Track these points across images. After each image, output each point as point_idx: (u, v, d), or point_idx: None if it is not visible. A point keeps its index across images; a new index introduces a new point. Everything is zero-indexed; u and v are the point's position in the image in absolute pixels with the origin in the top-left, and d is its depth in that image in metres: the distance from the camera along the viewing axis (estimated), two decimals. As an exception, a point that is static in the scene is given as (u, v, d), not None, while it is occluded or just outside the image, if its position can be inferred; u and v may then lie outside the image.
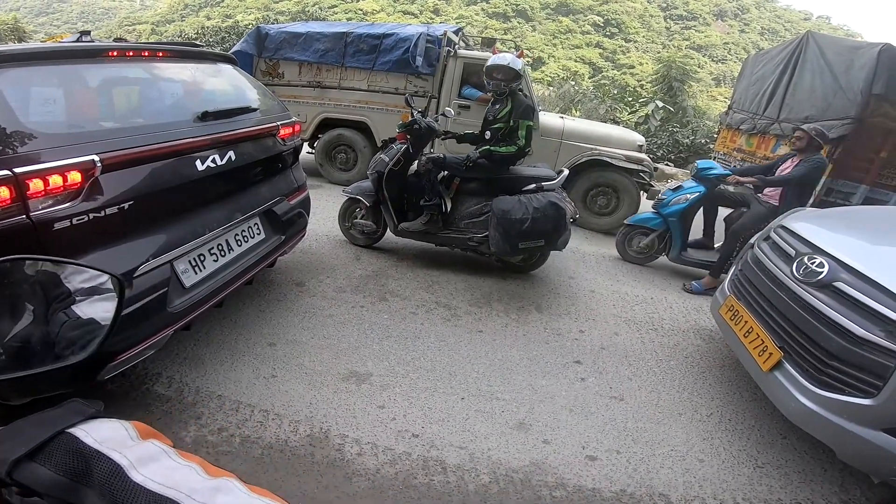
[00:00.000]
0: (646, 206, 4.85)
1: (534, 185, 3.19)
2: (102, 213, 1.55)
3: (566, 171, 3.33)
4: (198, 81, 2.33)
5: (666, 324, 3.11)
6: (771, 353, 2.01)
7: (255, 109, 2.40)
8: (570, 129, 4.92)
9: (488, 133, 3.31)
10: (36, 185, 1.38)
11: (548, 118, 5.22)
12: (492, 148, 3.21)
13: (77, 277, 0.58)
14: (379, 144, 3.63)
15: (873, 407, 1.62)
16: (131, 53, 1.99)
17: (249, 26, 12.66)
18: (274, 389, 2.14)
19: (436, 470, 1.82)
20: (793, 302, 1.99)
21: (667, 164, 8.70)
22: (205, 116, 2.03)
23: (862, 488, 1.93)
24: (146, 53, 2.07)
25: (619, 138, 4.94)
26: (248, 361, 2.31)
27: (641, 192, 4.74)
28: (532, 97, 4.88)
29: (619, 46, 52.96)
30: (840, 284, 1.85)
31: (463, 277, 3.39)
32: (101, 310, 0.58)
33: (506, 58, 3.20)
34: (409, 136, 3.27)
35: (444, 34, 5.24)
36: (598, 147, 4.74)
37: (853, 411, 1.67)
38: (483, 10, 54.41)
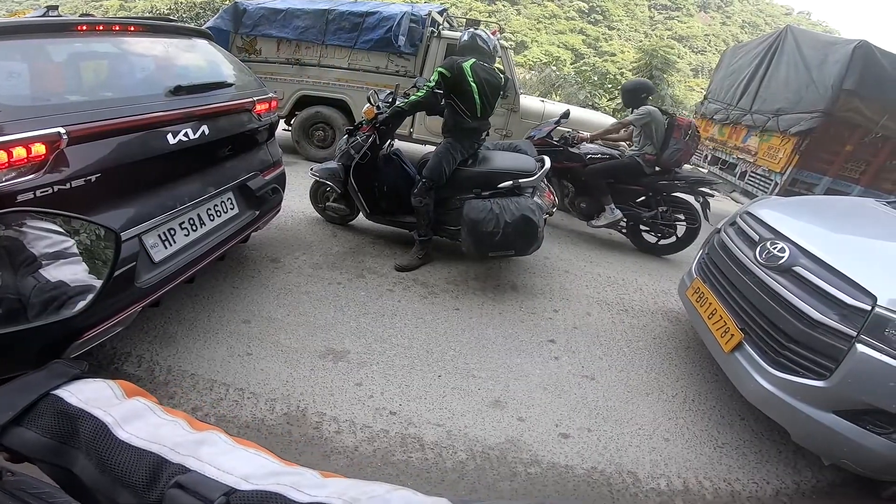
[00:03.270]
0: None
1: (510, 183, 2.99)
2: (68, 186, 1.53)
3: (548, 164, 3.12)
4: (171, 56, 2.29)
5: (636, 305, 3.19)
6: (732, 335, 2.08)
7: (230, 85, 2.38)
8: (549, 113, 4.96)
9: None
10: None
11: (528, 101, 5.24)
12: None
13: (41, 242, 0.56)
14: (346, 128, 3.50)
15: (826, 389, 1.69)
16: (101, 28, 1.96)
17: (225, 2, 12.15)
18: (249, 367, 2.12)
19: (414, 447, 1.85)
20: (755, 285, 2.07)
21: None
22: (177, 91, 2.01)
23: (813, 470, 2.03)
24: (116, 28, 2.03)
25: (597, 123, 5.00)
26: (222, 339, 2.28)
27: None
28: (514, 78, 4.87)
29: (603, 34, 53.05)
30: (799, 269, 1.92)
31: (440, 255, 3.40)
32: (69, 273, 0.57)
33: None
34: (374, 131, 3.11)
35: (429, 14, 5.16)
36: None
37: (807, 393, 1.74)
38: (469, -10, 53.68)
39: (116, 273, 1.57)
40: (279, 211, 2.91)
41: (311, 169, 3.46)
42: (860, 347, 1.63)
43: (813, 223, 2.35)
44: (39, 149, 1.45)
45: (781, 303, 1.90)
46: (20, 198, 1.41)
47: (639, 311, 3.13)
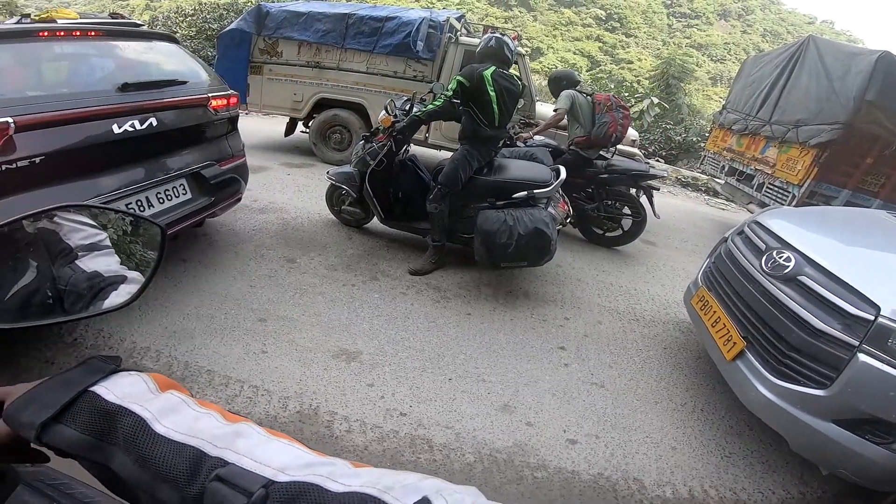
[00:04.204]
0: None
1: (525, 193, 2.99)
2: (14, 165, 1.79)
3: (563, 174, 3.11)
4: (127, 57, 2.51)
5: (647, 314, 3.18)
6: (735, 343, 2.08)
7: (182, 82, 2.58)
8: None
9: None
10: None
11: (544, 108, 5.24)
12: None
13: (76, 235, 0.58)
14: (362, 134, 3.55)
15: (826, 398, 1.69)
16: (62, 33, 2.23)
17: (248, 3, 12.36)
18: (264, 365, 2.17)
19: (422, 448, 1.87)
20: (759, 294, 2.06)
21: (658, 160, 8.76)
22: (125, 87, 2.24)
23: (819, 481, 2.02)
24: (77, 33, 2.30)
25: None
26: (239, 337, 2.34)
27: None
28: (531, 86, 4.88)
29: (620, 41, 52.69)
30: (804, 278, 1.91)
31: (453, 260, 3.43)
32: (103, 264, 0.59)
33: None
34: (391, 139, 3.15)
35: (447, 20, 5.21)
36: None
37: (807, 402, 1.74)
38: (485, -3, 53.84)
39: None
40: (239, 199, 3.04)
41: (328, 172, 3.52)
42: (862, 357, 1.63)
43: (821, 233, 2.34)
44: None
45: (784, 311, 1.90)
46: None
47: (650, 320, 3.12)
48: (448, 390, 2.20)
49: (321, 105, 5.57)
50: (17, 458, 0.45)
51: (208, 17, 11.41)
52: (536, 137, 4.25)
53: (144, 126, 2.24)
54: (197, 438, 0.38)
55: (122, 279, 0.58)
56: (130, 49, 2.54)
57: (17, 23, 2.20)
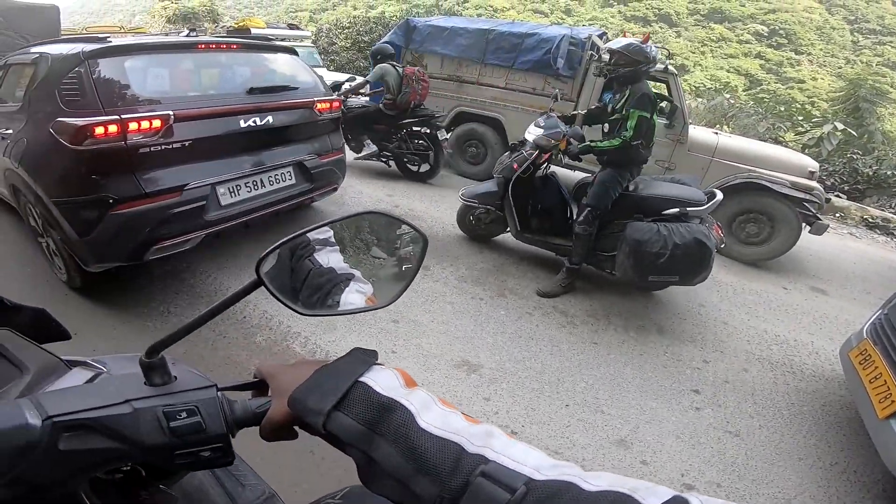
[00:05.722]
0: (805, 239, 4.22)
1: (677, 210, 2.83)
2: (171, 146, 2.32)
3: (720, 196, 2.88)
4: (257, 66, 3.07)
5: (807, 369, 2.73)
6: (893, 401, 1.87)
7: (295, 88, 3.04)
8: (724, 146, 4.43)
9: (606, 126, 3.05)
10: (132, 125, 2.18)
11: (699, 132, 4.77)
12: (592, 143, 2.94)
13: (312, 231, 0.59)
14: (510, 143, 3.59)
15: None
16: (213, 46, 2.86)
17: (394, 18, 13.47)
18: (392, 365, 2.28)
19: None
20: None
21: (838, 196, 7.38)
22: (251, 91, 2.76)
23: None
24: (223, 46, 2.91)
25: (785, 161, 4.31)
26: (373, 334, 2.52)
27: (804, 224, 4.10)
28: (683, 107, 4.50)
29: (788, 58, 46.43)
30: None
31: (582, 285, 3.29)
32: (336, 260, 0.62)
33: (619, 41, 2.88)
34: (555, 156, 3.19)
35: (589, 37, 5.06)
36: (757, 168, 4.21)
37: None
38: (620, 12, 51.36)
39: (193, 206, 2.41)
40: (336, 189, 3.49)
41: (461, 193, 3.55)
42: None
43: None
44: (157, 123, 2.25)
45: None
46: (141, 150, 2.24)
47: (809, 375, 2.67)
48: (563, 416, 2.13)
49: (460, 118, 5.76)
50: (283, 438, 0.50)
51: (361, 29, 12.66)
52: (352, 99, 5.15)
53: (263, 122, 2.72)
54: (457, 435, 0.39)
55: (352, 276, 0.62)
56: (260, 59, 3.10)
57: (187, 36, 2.87)
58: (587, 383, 2.36)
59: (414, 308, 2.78)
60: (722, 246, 2.95)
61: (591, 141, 2.98)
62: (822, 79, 38.75)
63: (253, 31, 7.73)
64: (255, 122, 2.67)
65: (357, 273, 0.63)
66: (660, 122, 4.30)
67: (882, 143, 9.28)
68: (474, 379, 2.28)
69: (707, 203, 2.83)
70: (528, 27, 5.45)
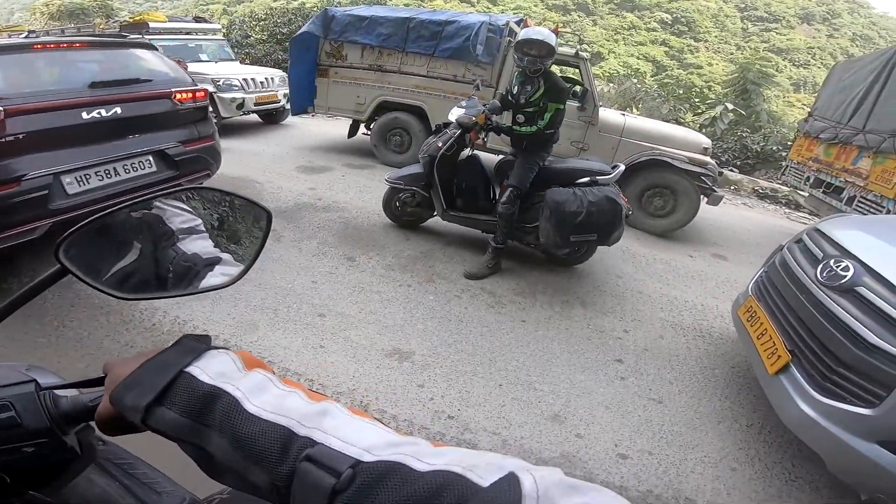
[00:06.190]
0: (705, 210, 4.63)
1: (588, 179, 3.10)
2: (5, 139, 2.32)
3: (622, 167, 3.23)
4: (104, 62, 3.09)
5: (716, 333, 2.99)
6: (779, 356, 1.95)
7: (147, 80, 3.10)
8: (630, 127, 4.75)
9: (521, 117, 3.18)
10: None
11: (608, 114, 5.06)
12: (513, 126, 3.15)
13: (177, 219, 0.62)
14: (434, 125, 3.62)
15: (872, 417, 1.58)
16: (52, 46, 2.85)
17: (314, 8, 12.94)
18: (320, 360, 2.23)
19: (468, 453, 1.85)
20: (810, 305, 1.92)
21: (731, 170, 8.20)
22: (94, 84, 2.78)
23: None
24: (64, 45, 2.93)
25: (683, 139, 4.72)
26: (299, 330, 2.42)
27: (702, 196, 4.51)
28: (593, 90, 4.74)
29: (688, 45, 50.25)
30: (862, 289, 1.76)
31: (508, 266, 3.38)
32: (200, 247, 0.62)
33: (541, 31, 2.96)
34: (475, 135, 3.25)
35: (507, 24, 5.17)
36: (659, 147, 4.55)
37: (851, 421, 1.63)
38: (542, 1, 53.01)
39: (33, 195, 2.41)
40: (210, 175, 3.49)
41: (387, 177, 3.59)
42: None
43: (888, 242, 2.10)
44: None
45: (837, 324, 1.76)
46: None
47: (718, 338, 2.92)
48: (498, 396, 2.17)
49: (383, 108, 5.68)
50: (123, 432, 0.46)
51: (278, 21, 12.04)
52: None
53: (109, 113, 2.77)
54: (286, 417, 0.37)
55: (218, 261, 0.61)
56: (109, 55, 3.16)
57: (26, 37, 2.79)
58: (519, 362, 2.42)
59: (340, 300, 2.71)
60: (630, 213, 3.19)
61: (513, 125, 3.17)
62: (717, 64, 42.36)
63: (152, 25, 7.05)
64: (99, 113, 2.72)
65: (226, 256, 0.62)
66: (572, 104, 4.52)
67: (767, 121, 10.36)
68: (407, 367, 2.27)
69: (612, 173, 3.15)
70: (448, 15, 5.45)
